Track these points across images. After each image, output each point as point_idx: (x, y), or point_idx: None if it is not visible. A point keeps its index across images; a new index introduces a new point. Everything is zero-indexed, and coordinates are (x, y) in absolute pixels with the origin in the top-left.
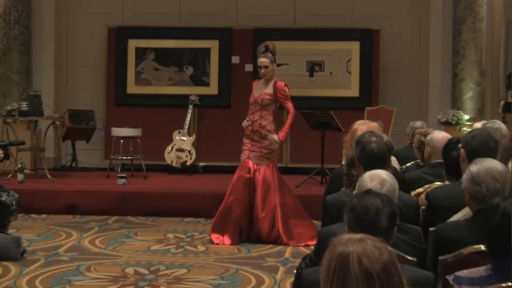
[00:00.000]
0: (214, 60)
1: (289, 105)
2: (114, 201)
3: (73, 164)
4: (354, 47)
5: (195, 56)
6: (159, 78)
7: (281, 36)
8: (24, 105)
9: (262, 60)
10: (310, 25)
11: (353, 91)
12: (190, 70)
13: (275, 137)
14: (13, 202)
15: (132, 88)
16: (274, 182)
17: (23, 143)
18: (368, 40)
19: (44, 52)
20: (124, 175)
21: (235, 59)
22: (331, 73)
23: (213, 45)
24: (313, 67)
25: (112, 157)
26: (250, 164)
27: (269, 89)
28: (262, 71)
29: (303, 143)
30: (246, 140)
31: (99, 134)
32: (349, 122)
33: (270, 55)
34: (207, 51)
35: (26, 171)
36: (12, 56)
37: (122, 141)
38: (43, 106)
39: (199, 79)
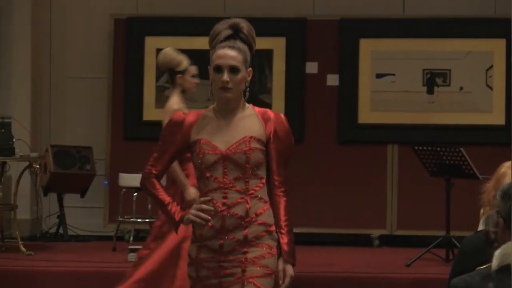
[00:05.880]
0: (279, 69)
1: (287, 169)
2: None
3: (60, 231)
4: (497, 47)
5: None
6: (194, 96)
7: (382, 31)
8: None
9: (228, 54)
10: (428, 14)
11: (497, 116)
12: None
13: (290, 269)
14: None
15: (152, 112)
16: None
17: None
18: None
19: (17, 60)
20: (139, 247)
21: (311, 67)
22: (461, 88)
23: (277, 45)
24: (433, 79)
25: (121, 219)
26: None
27: (254, 127)
28: (224, 78)
29: (417, 197)
30: (200, 254)
31: (100, 183)
32: (490, 165)
33: (242, 46)
34: (267, 54)
35: None
36: None
37: (135, 194)
38: (13, 140)
39: (255, 98)
